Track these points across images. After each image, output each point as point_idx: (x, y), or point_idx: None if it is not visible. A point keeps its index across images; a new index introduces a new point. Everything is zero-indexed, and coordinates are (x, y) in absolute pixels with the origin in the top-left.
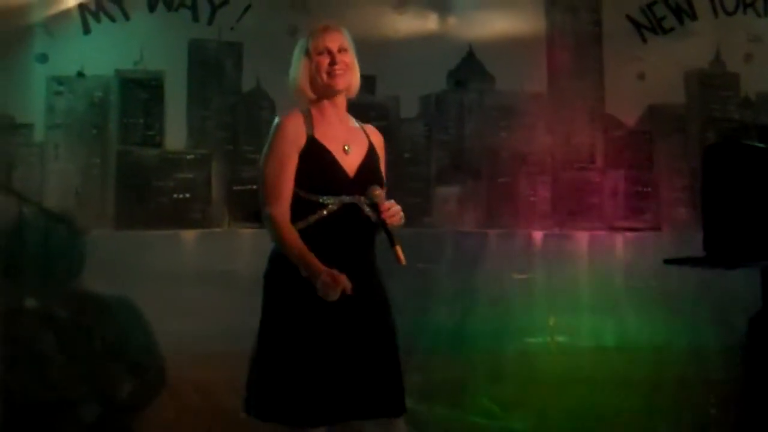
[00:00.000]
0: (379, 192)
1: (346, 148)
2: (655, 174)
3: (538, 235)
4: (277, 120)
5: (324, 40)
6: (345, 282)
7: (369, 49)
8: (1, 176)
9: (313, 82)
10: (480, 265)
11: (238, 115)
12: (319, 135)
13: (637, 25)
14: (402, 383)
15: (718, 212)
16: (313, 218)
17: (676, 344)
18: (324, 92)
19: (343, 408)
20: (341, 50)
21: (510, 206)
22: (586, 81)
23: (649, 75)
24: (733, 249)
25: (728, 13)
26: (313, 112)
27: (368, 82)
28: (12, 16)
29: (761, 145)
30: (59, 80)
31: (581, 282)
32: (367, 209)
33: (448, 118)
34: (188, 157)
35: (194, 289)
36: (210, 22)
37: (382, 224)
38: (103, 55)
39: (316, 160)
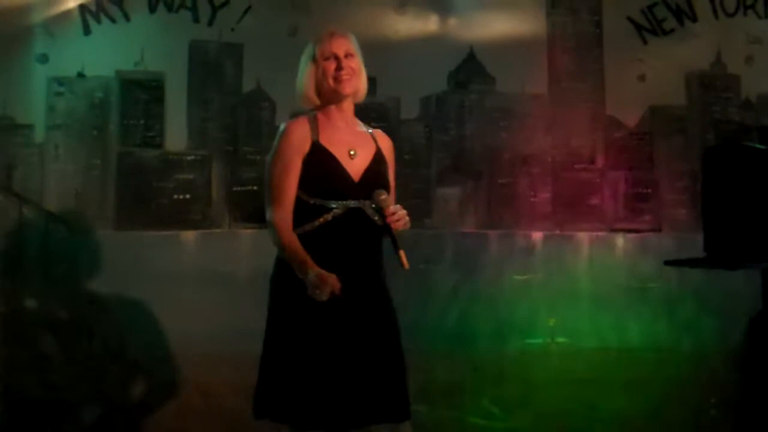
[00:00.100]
0: (384, 196)
1: (351, 152)
2: (656, 175)
3: (538, 236)
4: (283, 126)
5: (330, 45)
6: (334, 283)
7: (369, 50)
8: (1, 176)
9: (319, 88)
10: (480, 266)
11: (238, 116)
12: (324, 140)
13: (638, 27)
14: (407, 388)
15: (718, 213)
16: (318, 222)
17: (677, 345)
18: (331, 97)
19: (350, 414)
20: (348, 55)
21: (510, 207)
22: (586, 82)
23: (649, 76)
24: (733, 250)
25: (729, 15)
26: (320, 117)
27: (369, 82)
28: (12, 17)
29: (761, 146)
30: (60, 81)
31: (582, 283)
32: (372, 213)
33: (448, 119)
34: (188, 158)
35: (194, 289)
36: (210, 23)
37: (386, 228)
38: (103, 55)
39: (321, 165)
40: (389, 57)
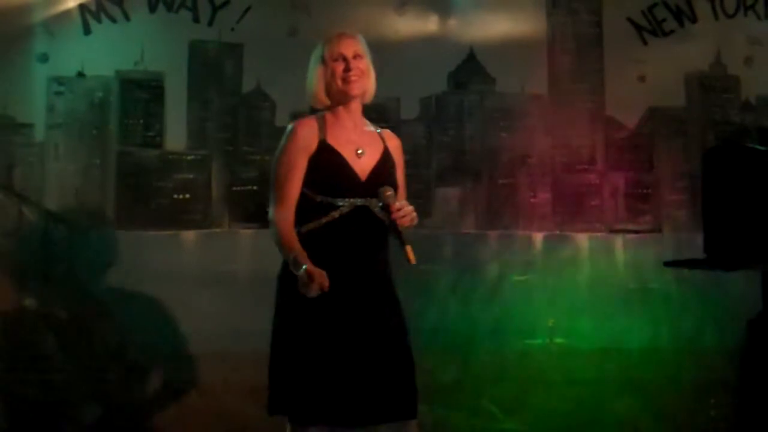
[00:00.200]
0: (390, 193)
1: (359, 151)
2: (656, 176)
3: (538, 237)
4: (290, 126)
5: (339, 46)
6: (322, 279)
7: (369, 50)
8: (1, 176)
9: (328, 88)
10: (480, 266)
11: (238, 116)
12: (331, 139)
13: (638, 28)
14: (415, 385)
15: (718, 215)
16: (325, 220)
17: (676, 346)
18: (339, 98)
19: (357, 410)
20: (356, 56)
21: (510, 208)
22: (586, 83)
23: (649, 77)
24: (733, 251)
25: (729, 16)
26: (328, 116)
27: None
28: (12, 16)
29: (761, 147)
30: (60, 80)
31: (581, 284)
32: (378, 211)
33: (448, 119)
34: (188, 157)
35: (194, 289)
36: (210, 23)
37: (392, 224)
38: (103, 55)
39: (328, 164)
40: (389, 57)
